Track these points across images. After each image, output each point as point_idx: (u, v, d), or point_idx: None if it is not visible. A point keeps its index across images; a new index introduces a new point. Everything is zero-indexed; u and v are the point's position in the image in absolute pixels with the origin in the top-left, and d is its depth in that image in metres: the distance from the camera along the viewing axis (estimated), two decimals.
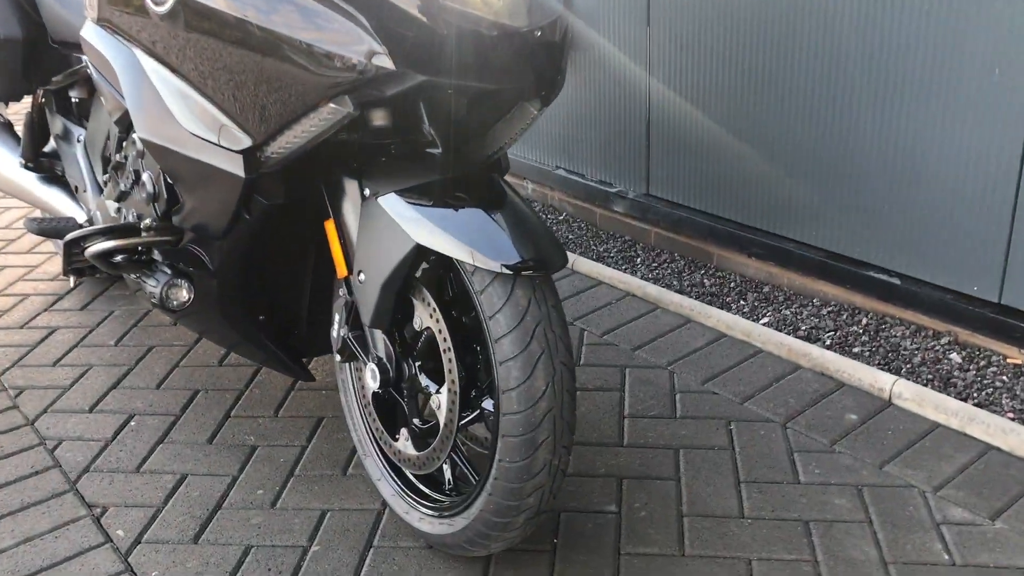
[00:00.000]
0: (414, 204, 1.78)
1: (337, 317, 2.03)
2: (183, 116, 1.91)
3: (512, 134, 2.02)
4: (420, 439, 1.98)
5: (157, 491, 2.30)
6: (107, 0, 2.00)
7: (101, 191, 2.61)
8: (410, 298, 1.90)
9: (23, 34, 2.70)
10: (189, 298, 2.10)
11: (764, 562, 1.96)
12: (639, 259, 3.43)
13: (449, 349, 1.81)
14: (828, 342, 2.79)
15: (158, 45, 1.89)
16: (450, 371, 1.82)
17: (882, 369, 2.60)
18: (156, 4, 1.82)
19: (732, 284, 3.18)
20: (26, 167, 2.90)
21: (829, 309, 2.94)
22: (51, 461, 2.42)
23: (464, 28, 1.64)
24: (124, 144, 2.30)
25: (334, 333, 2.05)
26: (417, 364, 1.93)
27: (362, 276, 1.88)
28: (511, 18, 1.71)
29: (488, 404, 1.87)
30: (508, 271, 1.66)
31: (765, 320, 2.94)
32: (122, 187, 2.30)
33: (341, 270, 1.94)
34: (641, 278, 3.25)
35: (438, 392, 1.88)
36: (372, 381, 1.94)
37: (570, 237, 3.67)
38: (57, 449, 2.47)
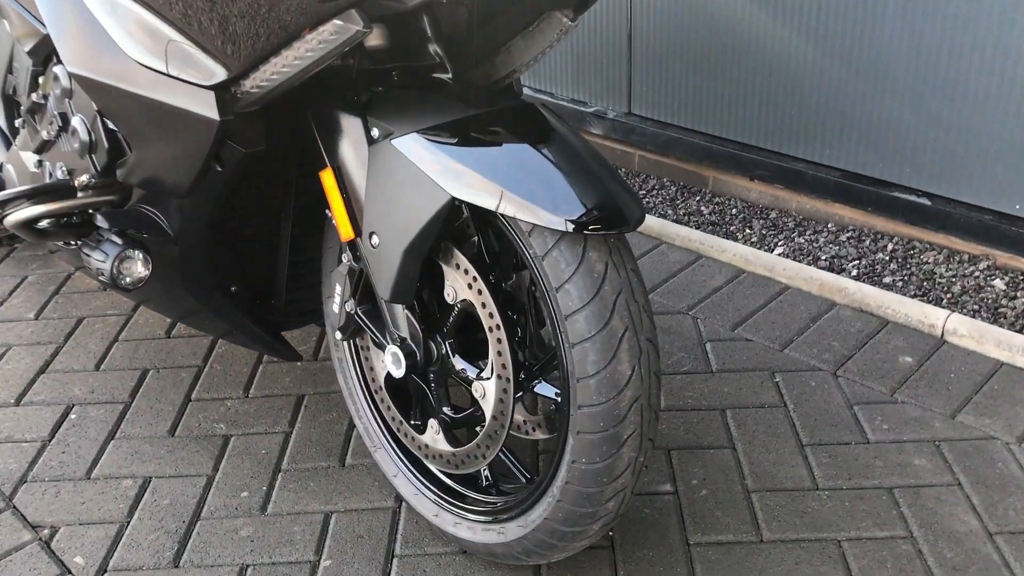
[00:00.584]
0: (443, 146, 1.40)
1: (339, 288, 1.65)
2: (129, 43, 1.47)
3: (536, 51, 1.65)
4: (451, 431, 1.64)
5: (117, 502, 1.90)
6: None
7: (10, 142, 2.12)
8: (437, 263, 1.54)
9: None
10: (147, 272, 1.69)
11: (855, 543, 1.71)
12: None
13: (499, 327, 1.46)
14: (855, 272, 2.53)
15: None
16: (500, 353, 1.47)
17: (919, 300, 2.36)
18: None
19: (733, 211, 2.88)
20: None
21: (848, 235, 2.68)
22: None
23: None
24: (42, 80, 1.83)
25: (334, 307, 1.67)
26: (448, 343, 1.58)
27: (375, 239, 1.50)
28: None
29: (543, 389, 1.54)
30: (579, 230, 1.31)
31: (779, 251, 2.66)
32: (44, 135, 1.84)
33: (346, 231, 1.56)
34: None
35: (480, 378, 1.53)
36: (395, 366, 1.58)
37: None
38: None
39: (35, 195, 1.67)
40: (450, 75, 1.64)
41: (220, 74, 1.40)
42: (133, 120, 1.57)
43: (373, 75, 1.59)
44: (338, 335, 1.70)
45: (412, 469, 1.76)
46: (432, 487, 1.72)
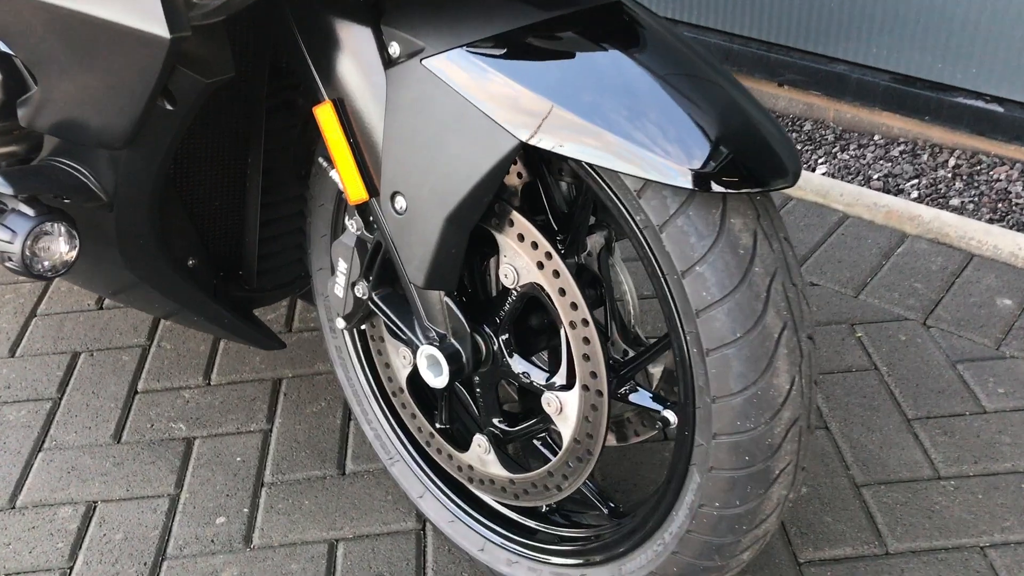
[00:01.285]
0: (502, 66, 0.97)
1: (343, 264, 1.21)
2: None
3: None
4: (506, 448, 1.24)
5: (54, 540, 1.47)
6: None
7: None
8: (488, 232, 1.11)
9: None
10: (74, 252, 1.22)
11: (1004, 549, 1.38)
12: None
13: (586, 322, 1.05)
14: (915, 194, 2.16)
15: None
16: (587, 357, 1.06)
17: (1009, 229, 2.01)
18: None
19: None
20: None
21: (901, 149, 2.31)
22: None
23: None
24: None
25: (336, 289, 1.23)
26: (503, 338, 1.16)
27: (401, 202, 1.06)
28: None
29: (640, 399, 1.14)
30: (716, 186, 0.90)
31: (822, 170, 2.28)
32: None
33: (356, 191, 1.11)
34: None
35: (552, 387, 1.12)
36: (433, 372, 1.15)
37: None
38: None
39: None
40: None
41: None
42: (37, 41, 1.09)
43: None
44: (341, 323, 1.27)
45: (446, 488, 1.35)
46: (476, 512, 1.33)
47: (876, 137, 2.36)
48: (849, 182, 2.21)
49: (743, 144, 0.93)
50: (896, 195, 2.16)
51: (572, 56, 0.97)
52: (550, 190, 1.14)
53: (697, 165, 0.90)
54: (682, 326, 0.97)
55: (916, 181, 2.20)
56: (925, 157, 2.27)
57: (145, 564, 1.43)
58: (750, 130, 0.94)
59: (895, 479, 1.49)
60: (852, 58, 2.34)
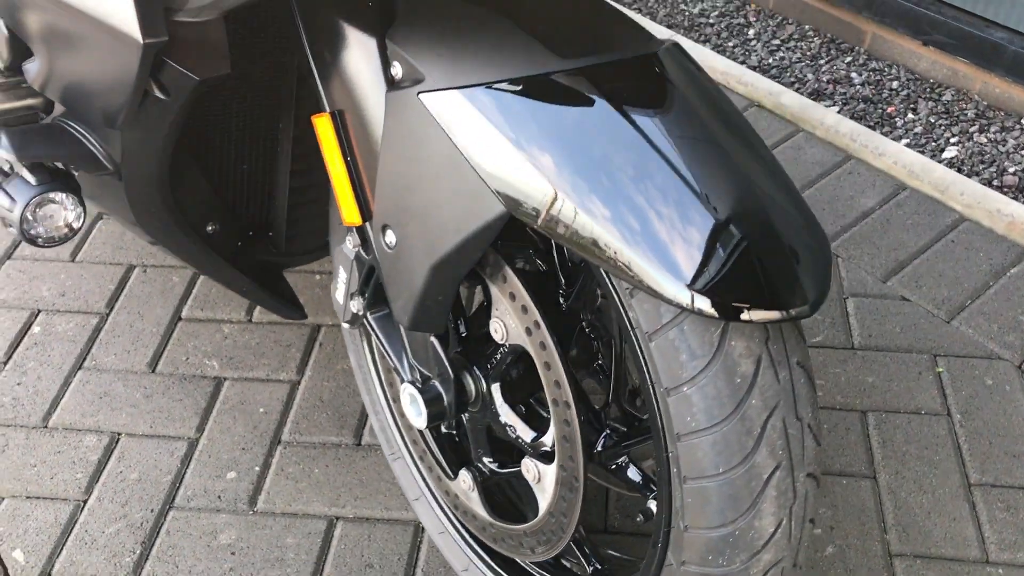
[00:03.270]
0: (504, 119, 0.84)
1: (343, 275, 1.13)
2: None
3: None
4: (489, 487, 1.17)
5: (75, 469, 1.51)
6: None
7: None
8: (481, 277, 1.00)
9: None
10: (78, 224, 1.18)
11: None
12: (752, 31, 2.42)
13: (568, 404, 0.94)
14: None
15: None
16: (567, 439, 0.96)
17: None
18: None
19: (895, 84, 2.21)
20: None
21: None
22: None
23: None
24: None
25: (338, 296, 1.16)
26: (493, 386, 1.06)
27: (391, 236, 0.97)
28: None
29: (632, 474, 1.04)
30: (715, 312, 0.77)
31: (952, 152, 2.02)
32: None
33: (349, 213, 1.02)
34: (760, 70, 2.27)
35: (535, 451, 1.03)
36: (413, 411, 1.08)
37: None
38: None
39: None
40: None
41: None
42: (23, 17, 1.01)
43: None
44: (345, 324, 1.20)
45: (440, 499, 1.30)
46: (465, 531, 1.27)
47: None
48: (978, 171, 1.95)
49: (756, 261, 0.78)
50: None
51: (583, 123, 0.83)
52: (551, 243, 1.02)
53: (696, 281, 0.76)
54: (664, 442, 0.86)
55: None
56: None
57: (152, 511, 1.45)
58: (771, 243, 0.79)
59: (936, 554, 1.35)
60: (1014, 25, 2.03)
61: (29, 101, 1.19)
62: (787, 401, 0.83)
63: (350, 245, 1.08)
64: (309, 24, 0.99)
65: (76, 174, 1.20)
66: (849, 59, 2.30)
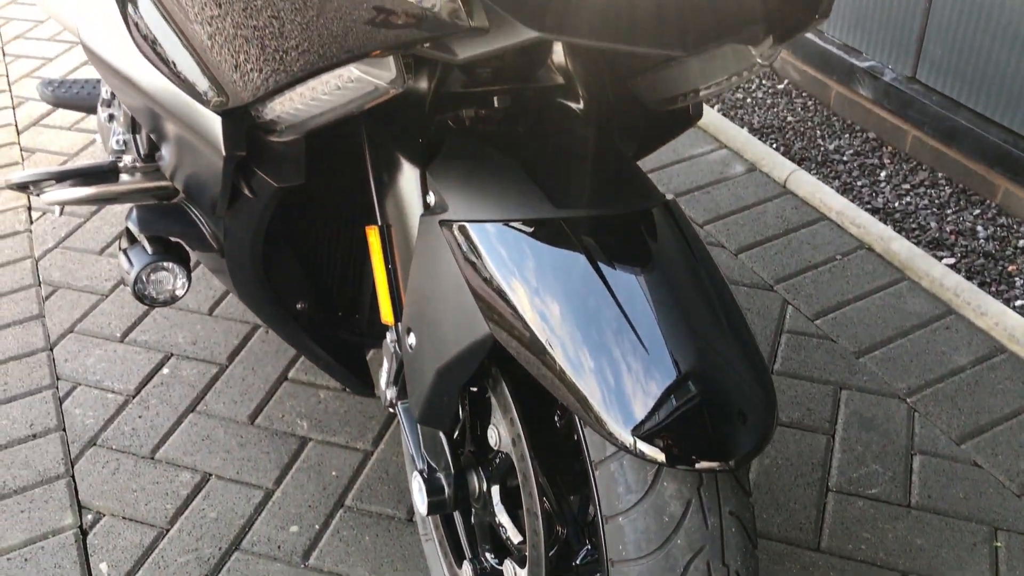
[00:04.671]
0: (498, 254, 0.96)
1: (385, 365, 1.27)
2: (136, 31, 1.11)
3: (716, 79, 1.14)
4: None
5: (166, 500, 1.71)
6: None
7: None
8: (485, 388, 1.11)
9: None
10: (183, 292, 1.39)
11: None
12: (884, 173, 2.43)
13: (536, 515, 1.03)
14: None
15: None
16: (534, 548, 1.05)
17: None
18: None
19: (1021, 242, 2.16)
20: None
21: None
22: (56, 420, 1.86)
23: None
24: None
25: (381, 383, 1.30)
26: (494, 487, 1.17)
27: (412, 339, 1.10)
28: None
29: None
30: (642, 454, 0.84)
31: None
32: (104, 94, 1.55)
33: (385, 312, 1.17)
34: (884, 212, 2.27)
35: (515, 553, 1.12)
36: (418, 497, 1.20)
37: (789, 120, 2.67)
38: (68, 399, 1.91)
39: (69, 177, 1.40)
40: (581, 104, 1.16)
41: (221, 101, 1.02)
42: (146, 118, 1.23)
43: (464, 99, 1.14)
44: (390, 409, 1.33)
45: None
46: None
47: None
48: None
49: (693, 414, 0.86)
50: None
51: (564, 268, 0.93)
52: None
53: (636, 425, 0.85)
54: (605, 565, 0.93)
55: None
56: None
57: (220, 549, 1.62)
58: (711, 399, 0.86)
59: None
60: None
61: (161, 184, 1.42)
62: (714, 546, 0.88)
63: (389, 340, 1.23)
64: (373, 149, 1.15)
65: (189, 249, 1.41)
66: (977, 211, 2.27)
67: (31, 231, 2.35)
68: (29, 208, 2.42)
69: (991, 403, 1.77)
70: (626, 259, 0.94)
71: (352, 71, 0.90)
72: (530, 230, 0.96)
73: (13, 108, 2.84)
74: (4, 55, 3.13)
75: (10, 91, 2.92)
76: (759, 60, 1.05)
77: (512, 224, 0.96)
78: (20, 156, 2.62)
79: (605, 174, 1.04)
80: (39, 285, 2.18)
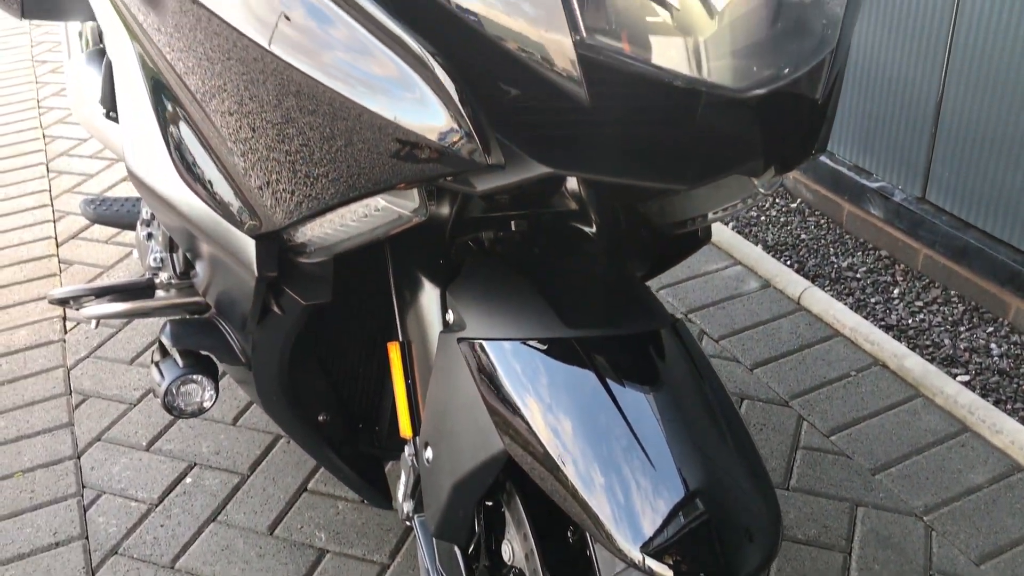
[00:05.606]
0: (513, 372, 1.00)
1: (403, 478, 1.30)
2: (176, 157, 1.19)
3: (722, 204, 1.20)
4: None
5: None
6: None
7: None
8: (499, 502, 1.14)
9: None
10: (210, 404, 1.44)
11: None
12: (897, 291, 2.47)
13: None
14: None
15: (153, 41, 1.16)
16: None
17: None
18: None
19: None
20: (108, 116, 2.30)
21: None
22: (79, 528, 1.89)
23: (626, 96, 0.85)
24: None
25: (399, 496, 1.33)
26: None
27: (429, 453, 1.13)
28: (721, 75, 0.87)
29: None
30: (652, 567, 0.87)
31: None
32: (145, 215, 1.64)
33: (404, 426, 1.21)
34: (897, 329, 2.31)
35: None
36: None
37: (803, 237, 2.74)
38: (92, 507, 1.94)
39: (108, 293, 1.47)
40: (594, 228, 1.23)
41: (255, 224, 1.09)
42: (183, 240, 1.31)
43: (483, 223, 1.21)
44: (406, 522, 1.36)
45: None
46: None
47: None
48: None
49: (704, 534, 0.88)
50: None
51: (577, 387, 0.97)
52: None
53: (647, 543, 0.87)
54: None
55: None
56: None
57: None
58: (720, 518, 0.89)
59: None
60: None
61: (194, 299, 1.48)
62: None
63: (407, 453, 1.26)
64: (396, 268, 1.22)
65: (218, 363, 1.47)
66: (991, 329, 2.30)
67: (65, 340, 2.42)
68: (64, 318, 2.50)
69: (1009, 523, 1.77)
70: (636, 379, 0.98)
71: (379, 201, 0.97)
72: (544, 348, 1.01)
73: (54, 222, 2.96)
74: (48, 171, 3.27)
75: (52, 205, 3.05)
76: (761, 190, 1.11)
77: (527, 343, 1.01)
78: (58, 268, 2.72)
79: (616, 296, 1.10)
80: (70, 394, 2.24)
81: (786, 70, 0.90)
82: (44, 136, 3.52)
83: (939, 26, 2.30)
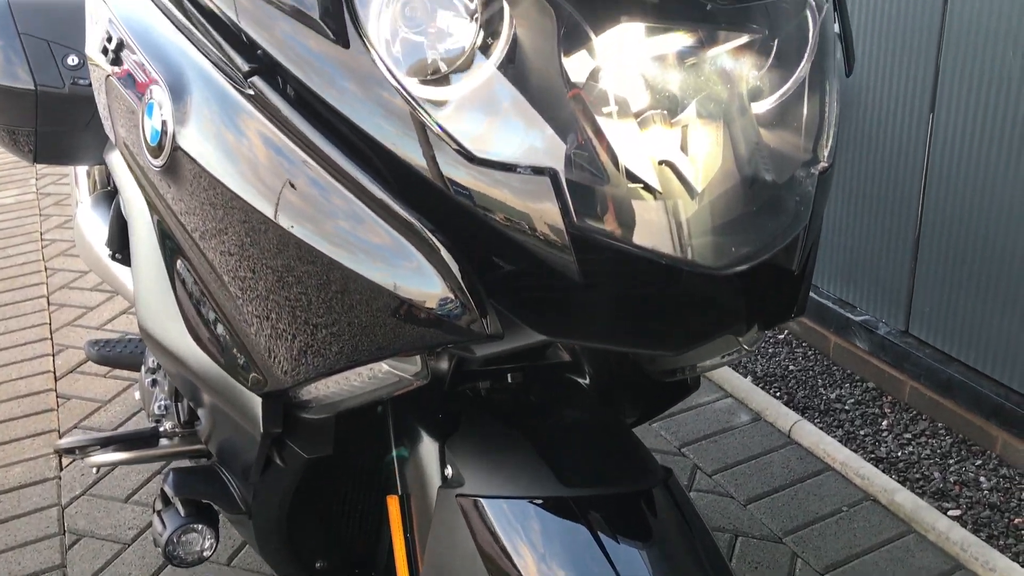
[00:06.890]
0: (510, 532, 1.03)
1: None
2: (186, 314, 1.24)
3: (708, 359, 1.25)
4: None
5: None
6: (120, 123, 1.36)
7: None
8: None
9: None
10: (210, 553, 1.45)
11: None
12: (885, 422, 2.51)
13: None
14: None
15: (160, 200, 1.23)
16: None
17: None
18: (152, 156, 1.16)
19: None
20: (113, 258, 2.37)
21: None
22: None
23: (615, 272, 0.91)
24: None
25: None
26: None
27: None
28: (702, 254, 0.94)
29: None
30: None
31: None
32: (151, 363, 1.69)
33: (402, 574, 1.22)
34: (887, 462, 2.33)
35: None
36: None
37: (791, 369, 2.79)
38: None
39: (113, 442, 1.50)
40: (587, 380, 1.27)
41: (260, 383, 1.13)
42: (192, 395, 1.35)
43: (480, 376, 1.26)
44: None
45: None
46: None
47: None
48: None
49: None
50: None
51: (569, 544, 1.00)
52: None
53: None
54: None
55: None
56: None
57: None
58: None
59: None
60: None
61: (196, 447, 1.51)
62: None
63: None
64: (396, 422, 1.26)
65: (219, 511, 1.49)
66: (979, 462, 2.33)
67: (60, 478, 2.43)
68: (60, 455, 2.51)
69: None
70: (629, 535, 1.01)
71: (382, 365, 1.02)
72: (540, 504, 1.04)
73: (53, 356, 2.99)
74: (49, 304, 3.33)
75: (51, 339, 3.09)
76: (745, 347, 1.17)
77: (525, 501, 1.05)
78: (56, 402, 2.75)
79: (609, 452, 1.13)
80: (63, 534, 2.24)
81: (762, 246, 0.97)
82: (46, 268, 3.60)
83: (913, 151, 2.41)
